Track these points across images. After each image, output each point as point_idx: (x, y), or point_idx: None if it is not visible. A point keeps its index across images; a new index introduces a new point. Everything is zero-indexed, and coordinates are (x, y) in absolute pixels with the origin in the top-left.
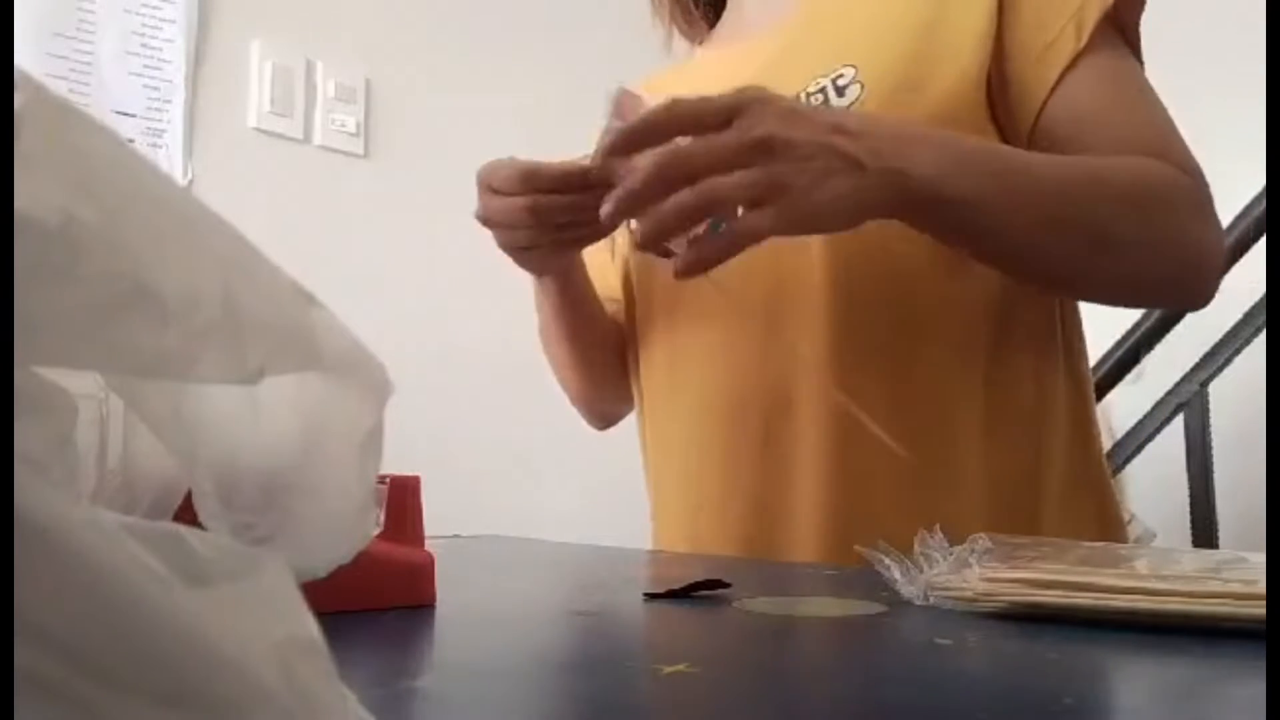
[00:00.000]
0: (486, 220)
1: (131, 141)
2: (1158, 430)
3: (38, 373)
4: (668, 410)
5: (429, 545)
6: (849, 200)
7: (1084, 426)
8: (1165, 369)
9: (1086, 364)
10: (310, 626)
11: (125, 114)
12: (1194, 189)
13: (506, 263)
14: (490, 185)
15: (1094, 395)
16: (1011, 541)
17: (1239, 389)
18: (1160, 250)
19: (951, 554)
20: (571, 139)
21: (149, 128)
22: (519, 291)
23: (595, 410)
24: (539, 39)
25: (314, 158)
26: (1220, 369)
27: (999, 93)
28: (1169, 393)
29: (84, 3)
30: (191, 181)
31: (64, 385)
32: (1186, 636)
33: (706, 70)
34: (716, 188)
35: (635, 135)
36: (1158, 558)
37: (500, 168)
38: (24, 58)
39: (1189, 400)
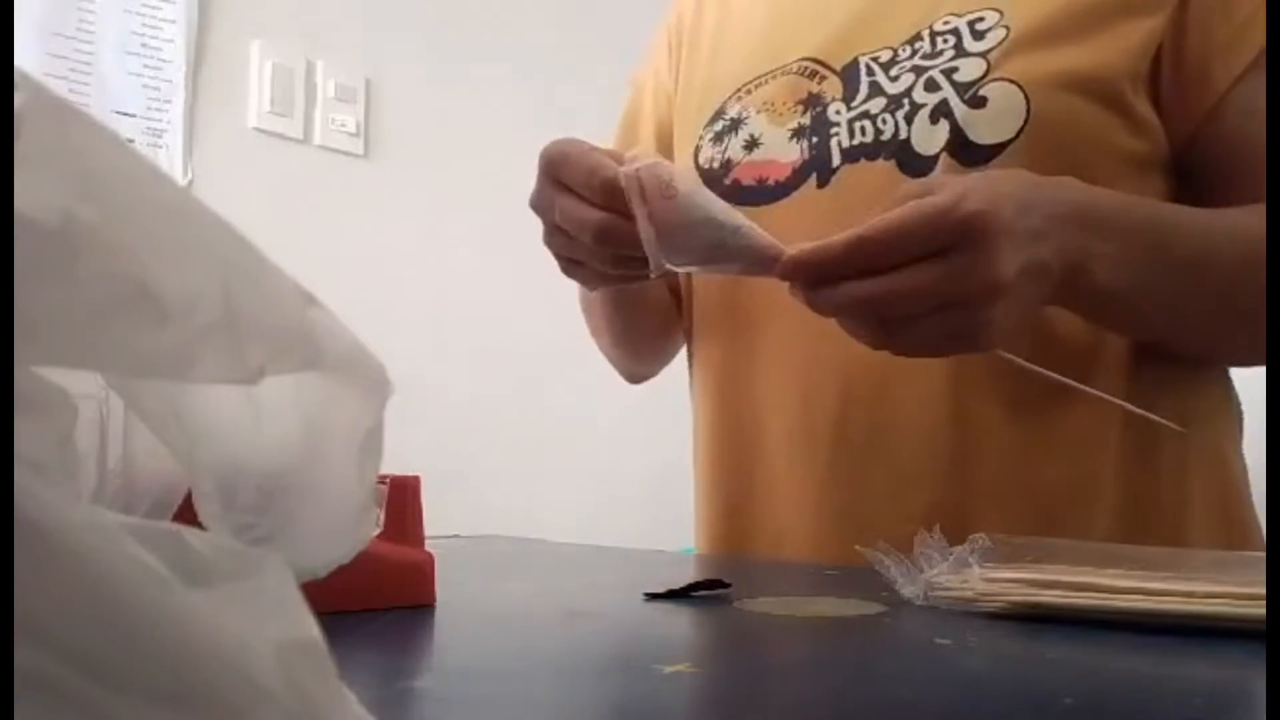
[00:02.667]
0: (542, 213)
1: (131, 141)
2: None
3: (38, 373)
4: (719, 393)
5: (429, 545)
6: (1032, 310)
7: (1226, 443)
8: None
9: (1229, 377)
10: (310, 626)
11: (125, 114)
12: None
13: (507, 264)
14: (557, 178)
15: (1239, 408)
16: (1012, 541)
17: (1239, 389)
18: None
19: (951, 554)
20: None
21: (149, 128)
22: (519, 292)
23: (628, 372)
24: (540, 39)
25: (314, 158)
26: None
27: (1171, 69)
28: None
29: (84, 3)
30: (191, 181)
31: (64, 385)
32: (1186, 636)
33: None
34: (918, 343)
35: (821, 270)
36: (1158, 558)
37: (574, 161)
38: (24, 58)
39: None
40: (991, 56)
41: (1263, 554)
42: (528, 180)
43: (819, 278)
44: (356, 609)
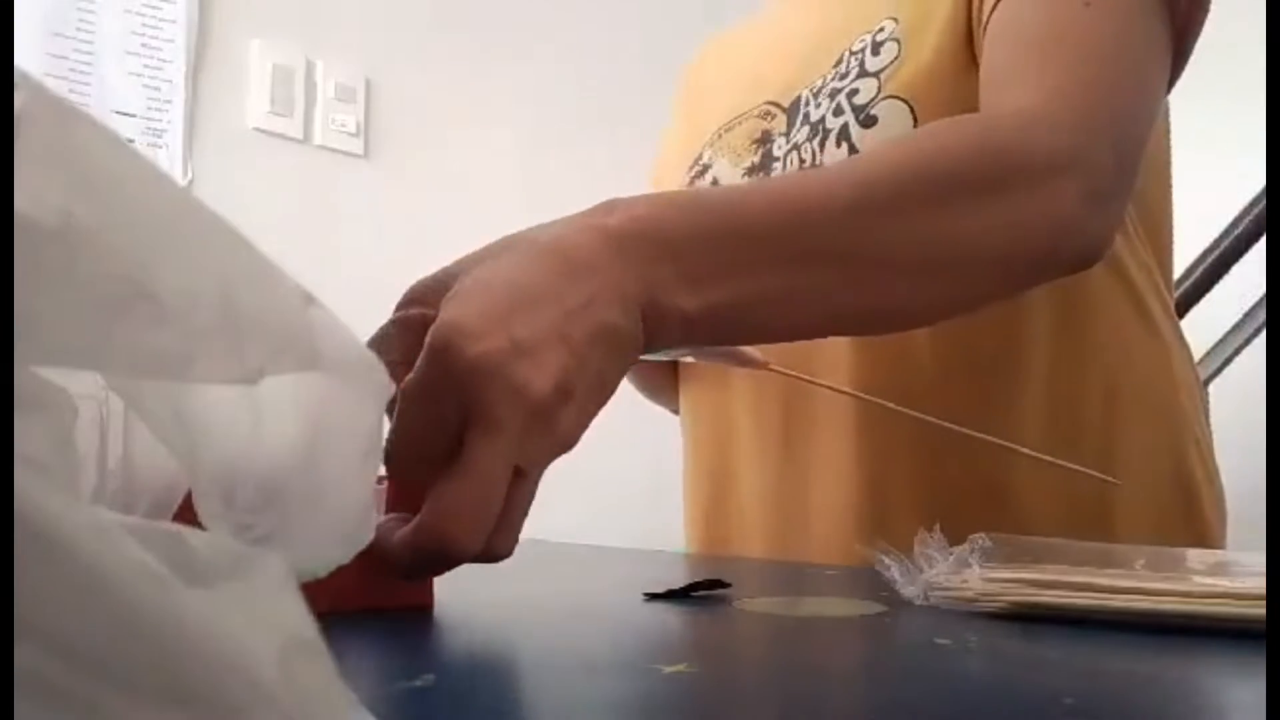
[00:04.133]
0: None
1: (131, 141)
2: None
3: (38, 373)
4: (697, 408)
5: None
6: (620, 375)
7: (1180, 423)
8: None
9: (1187, 355)
10: (310, 626)
11: (125, 114)
12: (983, 162)
13: None
14: None
15: (1197, 377)
16: (1012, 541)
17: (1239, 389)
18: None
19: (951, 554)
20: (570, 139)
21: (149, 128)
22: None
23: (670, 408)
24: (540, 39)
25: (314, 158)
26: (1220, 369)
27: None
28: None
29: (84, 3)
30: (191, 181)
31: (64, 385)
32: (1186, 636)
33: (778, 21)
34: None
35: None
36: (1158, 558)
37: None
38: (24, 58)
39: None
40: (883, 76)
41: (1262, 554)
42: (527, 180)
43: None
44: (356, 609)
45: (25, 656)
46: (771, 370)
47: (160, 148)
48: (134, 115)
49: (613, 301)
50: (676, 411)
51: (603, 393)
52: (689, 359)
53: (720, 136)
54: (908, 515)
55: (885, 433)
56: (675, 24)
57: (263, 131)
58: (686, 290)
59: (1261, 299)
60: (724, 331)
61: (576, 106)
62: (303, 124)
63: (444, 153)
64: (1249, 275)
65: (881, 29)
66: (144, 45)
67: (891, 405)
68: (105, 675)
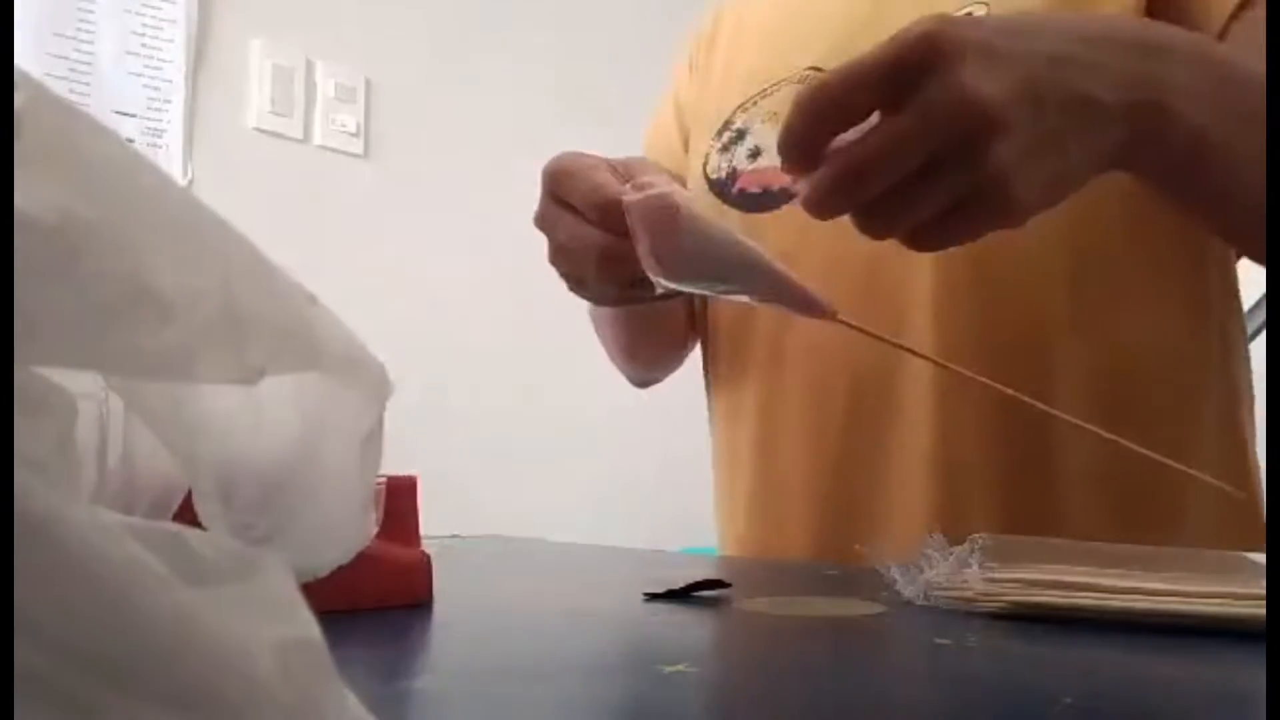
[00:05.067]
0: (546, 231)
1: (131, 141)
2: None
3: (38, 373)
4: (740, 375)
5: (428, 545)
6: (1085, 164)
7: (1236, 425)
8: None
9: (1243, 340)
10: (310, 626)
11: (125, 114)
12: None
13: (506, 263)
14: (559, 195)
15: (1249, 384)
16: (1012, 541)
17: None
18: None
19: (951, 554)
20: (571, 139)
21: (149, 128)
22: (519, 291)
23: (638, 380)
24: (539, 39)
25: (314, 158)
26: None
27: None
28: None
29: (84, 3)
30: (191, 181)
31: (64, 385)
32: (1187, 636)
33: None
34: (920, 204)
35: (795, 141)
36: (1158, 558)
37: (576, 178)
38: (24, 58)
39: None
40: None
41: (1262, 555)
42: (527, 180)
43: (804, 157)
44: (356, 609)
45: (25, 656)
46: (839, 322)
47: (160, 148)
48: (134, 115)
49: (1101, 78)
50: (657, 379)
51: (1060, 158)
52: (740, 298)
53: (756, 102)
54: (985, 506)
55: (967, 415)
56: (674, 26)
57: (263, 131)
58: (1192, 104)
59: (1261, 299)
60: (1189, 166)
61: (576, 107)
62: (303, 124)
63: (444, 153)
64: (1249, 275)
65: (970, 12)
66: (144, 45)
67: (988, 381)
68: (105, 675)
